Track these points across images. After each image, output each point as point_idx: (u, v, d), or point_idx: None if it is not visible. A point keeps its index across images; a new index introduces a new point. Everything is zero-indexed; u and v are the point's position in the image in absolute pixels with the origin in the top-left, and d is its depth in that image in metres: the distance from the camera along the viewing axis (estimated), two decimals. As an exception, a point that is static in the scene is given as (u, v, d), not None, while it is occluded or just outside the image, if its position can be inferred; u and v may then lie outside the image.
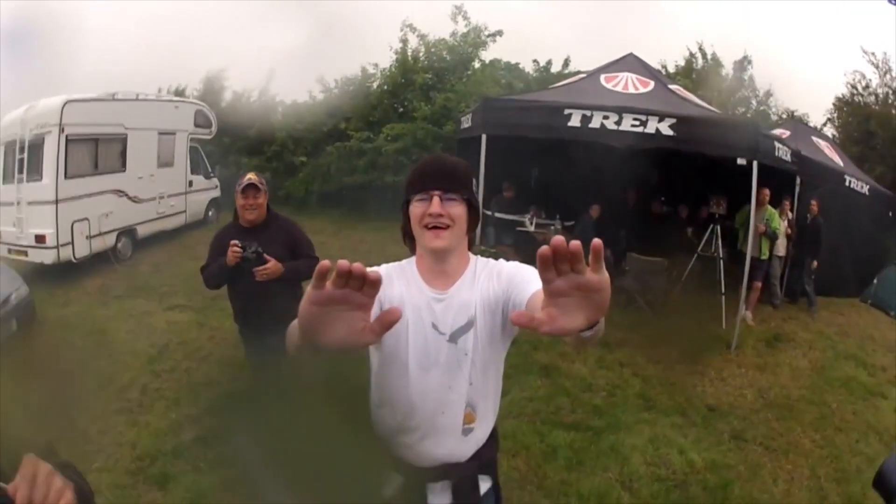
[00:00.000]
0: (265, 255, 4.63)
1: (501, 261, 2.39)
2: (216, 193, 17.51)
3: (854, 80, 22.36)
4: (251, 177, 4.84)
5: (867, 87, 22.16)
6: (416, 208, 2.24)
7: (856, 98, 22.39)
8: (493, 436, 2.47)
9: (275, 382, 5.22)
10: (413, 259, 2.40)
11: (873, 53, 21.74)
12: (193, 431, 5.61)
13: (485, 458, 2.44)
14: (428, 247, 2.25)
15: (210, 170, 17.16)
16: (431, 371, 2.27)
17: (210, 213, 17.10)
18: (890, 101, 21.43)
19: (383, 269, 2.30)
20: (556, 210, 11.63)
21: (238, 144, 18.90)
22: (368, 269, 1.24)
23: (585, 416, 6.35)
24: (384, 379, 2.35)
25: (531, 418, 6.13)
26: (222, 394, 6.47)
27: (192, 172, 15.97)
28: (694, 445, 5.81)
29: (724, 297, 9.83)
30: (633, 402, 6.79)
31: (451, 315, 2.28)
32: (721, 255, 10.38)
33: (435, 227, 2.21)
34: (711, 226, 10.73)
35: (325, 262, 1.24)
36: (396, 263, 2.40)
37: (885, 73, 21.73)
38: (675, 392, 7.04)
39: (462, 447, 2.36)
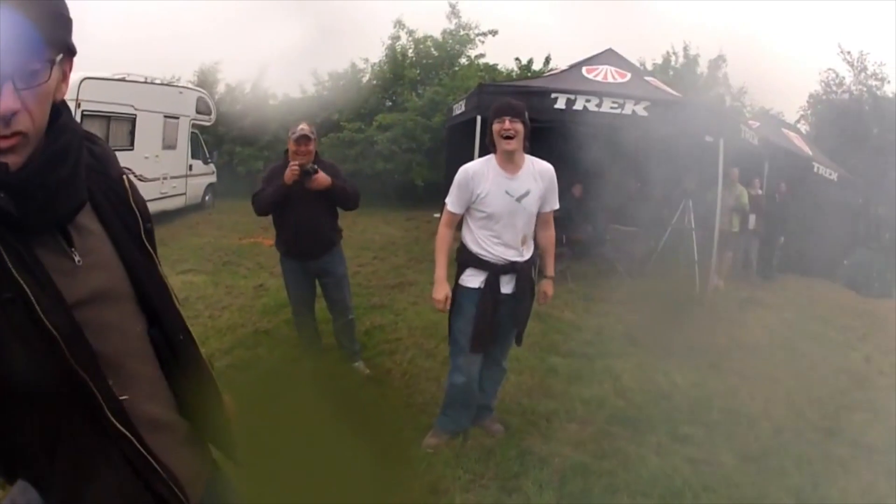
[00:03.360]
0: (317, 167, 5.19)
1: (545, 164, 4.28)
2: (213, 179, 18.08)
3: (828, 77, 22.90)
4: (304, 127, 5.30)
5: (841, 84, 22.69)
6: (496, 126, 4.05)
7: (830, 95, 22.84)
8: (533, 257, 4.41)
9: (310, 303, 5.84)
10: (492, 157, 4.19)
11: (849, 52, 22.30)
12: (225, 360, 5.97)
13: (532, 263, 4.40)
14: (504, 149, 4.07)
15: (208, 155, 17.58)
16: (505, 217, 4.15)
17: (207, 198, 17.61)
18: (864, 98, 21.91)
19: (474, 166, 4.21)
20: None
21: (232, 134, 19.30)
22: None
23: (578, 347, 6.97)
24: (480, 222, 4.22)
25: (531, 348, 6.60)
26: (249, 333, 6.86)
27: (192, 157, 16.41)
28: (676, 370, 6.39)
29: (697, 266, 10.53)
30: (619, 339, 7.40)
31: (516, 187, 4.13)
32: (694, 227, 11.01)
33: (507, 137, 4.01)
34: (684, 201, 11.36)
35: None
36: (480, 161, 4.27)
37: (860, 72, 22.32)
38: (655, 334, 7.54)
39: (519, 256, 4.26)
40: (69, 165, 1.26)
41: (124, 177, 1.50)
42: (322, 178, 5.24)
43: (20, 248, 1.17)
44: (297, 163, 5.17)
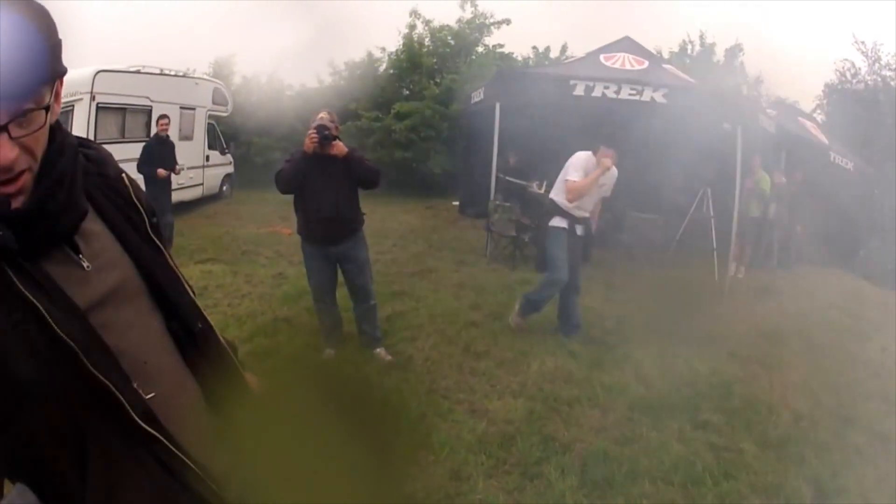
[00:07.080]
0: (335, 134, 5.16)
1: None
2: (230, 169, 18.07)
3: (843, 67, 22.84)
4: (323, 115, 5.28)
5: (856, 74, 22.65)
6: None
7: (845, 85, 22.80)
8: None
9: (332, 290, 5.81)
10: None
11: (863, 42, 22.21)
12: (245, 348, 5.76)
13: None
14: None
15: (225, 146, 17.60)
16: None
17: (224, 188, 17.59)
18: (879, 87, 21.86)
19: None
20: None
21: (249, 125, 19.09)
22: None
23: (599, 334, 7.00)
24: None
25: (552, 334, 6.76)
26: (269, 321, 6.86)
27: (209, 148, 16.42)
28: (696, 357, 6.43)
29: (715, 254, 10.51)
30: (639, 326, 7.32)
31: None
32: (713, 215, 10.97)
33: None
34: (702, 189, 11.35)
35: None
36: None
37: (875, 62, 22.26)
38: (676, 323, 7.62)
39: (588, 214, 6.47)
40: (66, 188, 1.25)
41: (123, 175, 1.49)
42: (340, 145, 5.19)
43: (27, 267, 1.16)
44: (314, 128, 5.13)
